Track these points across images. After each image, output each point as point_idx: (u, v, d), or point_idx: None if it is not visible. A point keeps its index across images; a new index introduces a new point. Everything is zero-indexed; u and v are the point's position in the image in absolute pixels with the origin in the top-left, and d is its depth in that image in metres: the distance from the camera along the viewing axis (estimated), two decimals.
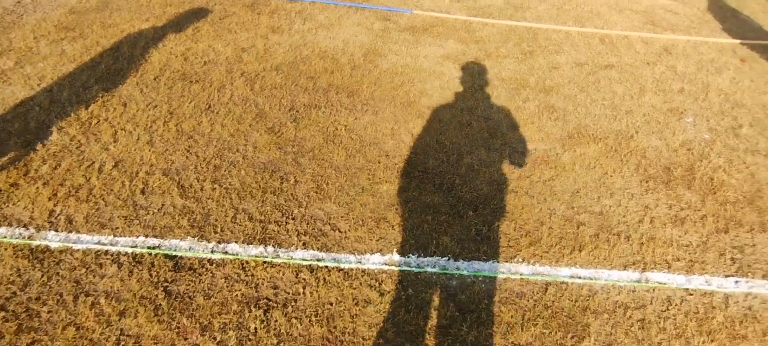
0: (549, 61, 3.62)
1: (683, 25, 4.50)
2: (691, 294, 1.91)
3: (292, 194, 2.26)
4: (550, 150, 2.67)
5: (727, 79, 3.52)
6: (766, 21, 4.80)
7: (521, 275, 1.95)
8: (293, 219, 2.13)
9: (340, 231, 2.10)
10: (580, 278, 1.95)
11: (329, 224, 2.13)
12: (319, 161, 2.47)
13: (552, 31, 4.14)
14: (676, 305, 1.86)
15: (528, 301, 1.85)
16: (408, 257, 2.00)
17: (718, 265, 2.03)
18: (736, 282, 1.95)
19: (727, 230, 2.20)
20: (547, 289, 1.91)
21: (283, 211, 2.17)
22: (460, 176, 2.44)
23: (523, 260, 2.02)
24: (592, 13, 4.57)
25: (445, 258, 2.00)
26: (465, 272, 1.94)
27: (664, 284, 1.94)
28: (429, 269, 1.94)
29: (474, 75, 3.38)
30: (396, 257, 1.99)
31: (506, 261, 2.01)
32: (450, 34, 3.93)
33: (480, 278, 1.93)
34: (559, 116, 2.97)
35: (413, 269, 1.94)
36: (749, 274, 2.00)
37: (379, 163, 2.49)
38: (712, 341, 1.74)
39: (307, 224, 2.12)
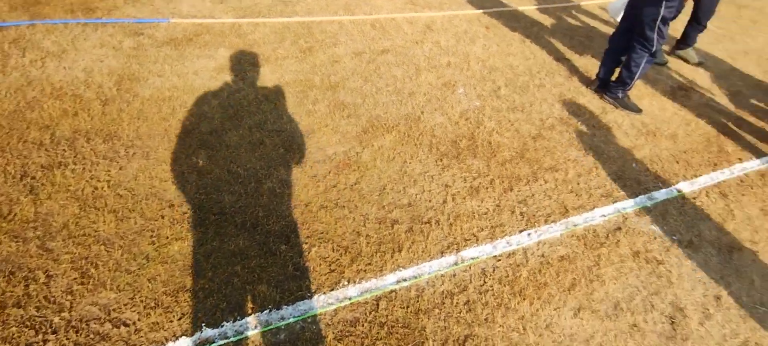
0: (329, 55, 3.56)
1: (436, 1, 4.96)
2: (499, 259, 2.06)
3: (45, 297, 1.69)
4: (349, 151, 2.60)
5: (480, 47, 4.00)
6: None
7: (350, 298, 1.83)
8: (54, 333, 1.59)
9: (127, 325, 1.65)
10: (405, 280, 1.93)
11: (110, 320, 1.66)
12: (78, 240, 1.91)
13: (326, 23, 4.10)
14: (490, 275, 1.98)
15: (363, 326, 1.74)
16: (222, 326, 1.68)
17: (513, 223, 2.25)
18: (529, 235, 2.19)
19: (511, 187, 2.46)
20: (378, 305, 1.83)
21: (37, 326, 1.60)
22: (262, 206, 2.19)
23: (349, 282, 1.90)
24: (359, 0, 4.69)
25: (266, 311, 1.75)
26: (291, 319, 1.73)
27: (477, 258, 2.05)
28: (250, 333, 1.67)
29: (256, 84, 3.10)
30: (208, 332, 1.66)
31: (332, 289, 1.86)
32: (219, 42, 3.54)
33: (309, 320, 1.74)
34: (351, 112, 2.92)
35: (231, 339, 1.64)
36: (535, 223, 2.26)
37: (163, 218, 2.06)
38: (523, 298, 1.90)
39: (78, 331, 1.61)
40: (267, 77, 3.19)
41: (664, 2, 2.83)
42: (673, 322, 1.85)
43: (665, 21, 2.90)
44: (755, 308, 1.95)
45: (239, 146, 2.54)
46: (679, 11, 3.27)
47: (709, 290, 2.01)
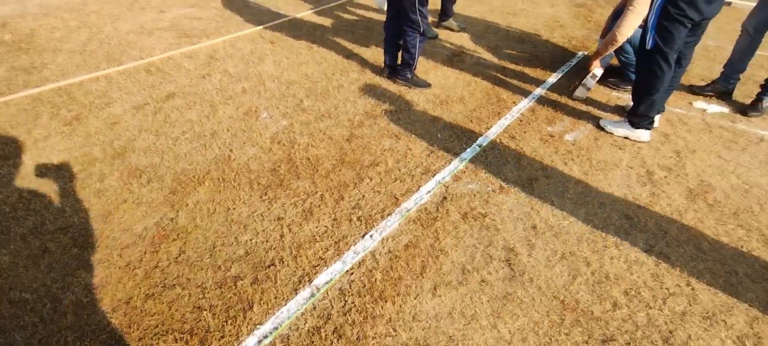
0: (104, 118, 3.06)
1: (212, 27, 4.68)
2: (352, 273, 2.04)
3: None
4: (162, 220, 2.27)
5: (271, 64, 3.91)
6: (273, 3, 5.58)
7: None
8: None
9: None
10: (267, 336, 1.77)
11: None
12: None
13: (89, 82, 3.51)
14: (348, 292, 1.95)
15: None
16: None
17: (353, 231, 2.25)
18: (371, 236, 2.22)
19: (342, 196, 2.46)
20: None
21: None
22: (70, 328, 1.77)
23: None
24: (122, 45, 4.14)
25: None
26: None
27: (331, 280, 2.00)
28: None
29: (16, 182, 2.49)
30: None
31: None
32: None
33: None
34: (150, 176, 2.56)
35: None
36: (374, 223, 2.30)
37: None
38: (385, 301, 1.92)
39: None
40: (29, 168, 2.59)
41: None
42: (510, 263, 2.08)
43: (423, 3, 3.22)
44: (560, 224, 2.32)
45: (15, 266, 2.01)
46: None
47: (526, 224, 2.31)
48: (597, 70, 3.53)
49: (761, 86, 3.48)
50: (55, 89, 3.39)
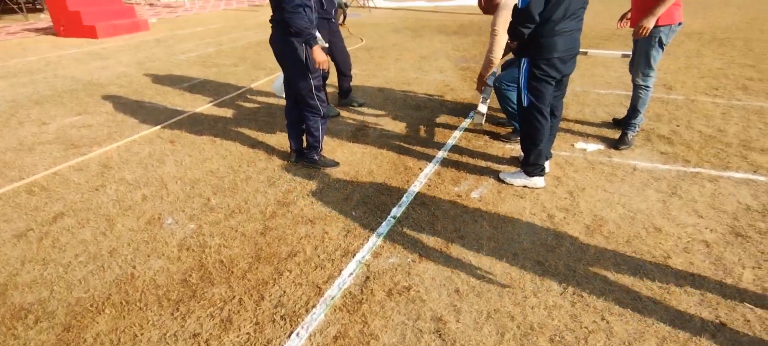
0: None
1: (104, 134, 4.42)
2: None
3: None
4: None
5: (173, 165, 3.75)
6: (169, 100, 5.43)
7: None
8: None
9: None
10: None
11: None
12: None
13: None
14: None
15: None
16: None
17: (279, 333, 2.14)
18: (298, 335, 2.12)
19: (262, 296, 2.35)
20: None
21: None
22: None
23: None
24: None
25: None
26: None
27: None
28: None
29: None
30: None
31: None
32: None
33: None
34: (38, 315, 2.26)
35: None
36: (299, 319, 2.21)
37: None
38: None
39: None
40: None
41: (310, 76, 3.24)
42: (440, 334, 2.09)
43: (319, 89, 3.33)
44: (482, 281, 2.39)
45: None
46: (326, 78, 3.78)
47: (449, 289, 2.36)
48: (484, 100, 3.95)
49: (623, 122, 4.02)
50: None
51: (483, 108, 3.88)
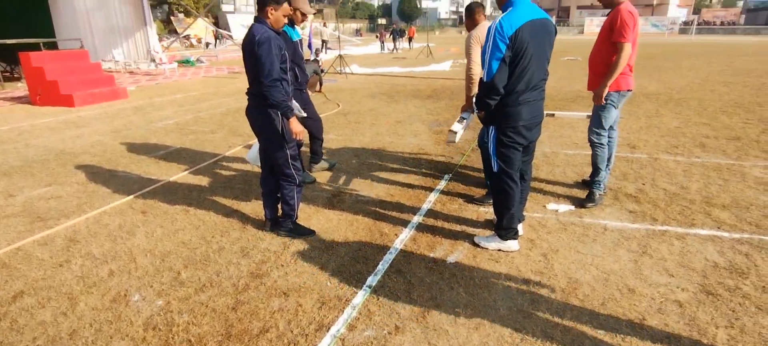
0: None
1: (73, 205, 4.32)
2: None
3: None
4: None
5: (143, 237, 3.66)
6: (144, 169, 5.38)
7: None
8: None
9: None
10: None
11: None
12: None
13: None
14: None
15: None
16: None
17: None
18: None
19: None
20: None
21: None
22: None
23: None
24: None
25: None
26: None
27: None
28: None
29: None
30: None
31: None
32: None
33: None
34: None
35: None
36: None
37: None
38: None
39: None
40: None
41: (286, 146, 3.28)
42: None
43: (294, 158, 3.37)
44: None
45: None
46: (300, 146, 3.87)
47: None
48: (461, 120, 4.01)
49: (589, 181, 4.19)
50: None
51: (457, 127, 3.85)
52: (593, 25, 58.53)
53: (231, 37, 31.39)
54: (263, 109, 3.18)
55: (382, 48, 27.22)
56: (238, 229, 3.75)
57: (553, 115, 7.09)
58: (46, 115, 8.95)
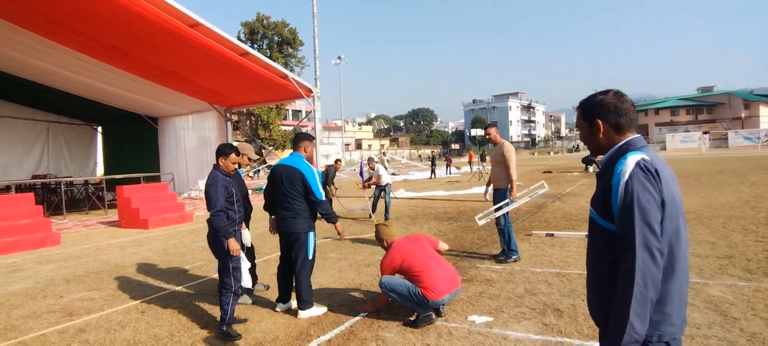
0: None
1: (97, 305, 5.49)
2: None
3: None
4: None
5: (131, 330, 4.64)
6: (157, 281, 6.57)
7: None
8: None
9: None
10: None
11: None
12: None
13: None
14: None
15: None
16: None
17: None
18: None
19: None
20: None
21: None
22: None
23: None
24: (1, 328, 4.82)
25: None
26: None
27: None
28: None
29: None
30: None
31: None
32: None
33: None
34: None
35: None
36: None
37: None
38: None
39: None
40: None
41: (230, 260, 4.23)
42: None
43: (236, 270, 4.29)
44: None
45: None
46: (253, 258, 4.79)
47: None
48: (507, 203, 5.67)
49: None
50: None
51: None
52: (676, 141, 56.28)
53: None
54: (212, 230, 4.22)
55: (432, 175, 28.72)
56: (200, 327, 4.61)
57: (552, 235, 7.70)
58: (122, 236, 10.90)
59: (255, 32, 47.52)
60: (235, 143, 5.21)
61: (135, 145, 22.01)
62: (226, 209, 4.17)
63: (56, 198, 16.23)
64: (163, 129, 21.20)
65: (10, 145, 19.52)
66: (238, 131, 45.37)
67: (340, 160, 14.37)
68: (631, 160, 1.63)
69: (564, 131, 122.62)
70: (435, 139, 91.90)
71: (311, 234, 4.60)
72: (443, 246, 4.88)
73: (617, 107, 1.75)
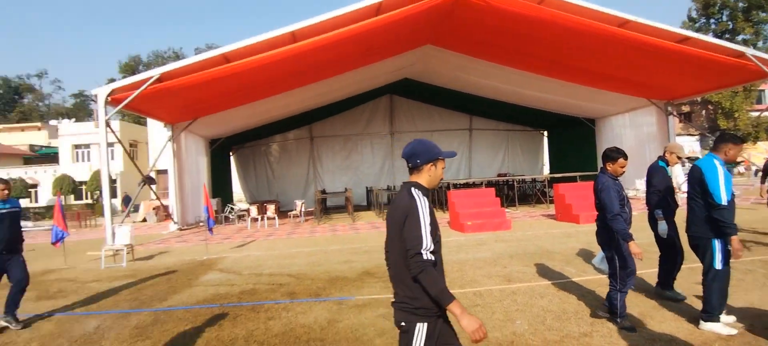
0: None
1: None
2: None
3: None
4: None
5: (547, 302, 5.68)
6: None
7: None
8: None
9: None
10: None
11: None
12: None
13: None
14: None
15: None
16: None
17: None
18: None
19: None
20: None
21: None
22: None
23: None
24: None
25: None
26: None
27: None
28: None
29: None
30: None
31: None
32: None
33: None
34: None
35: None
36: None
37: None
38: None
39: None
40: None
41: (626, 262, 4.49)
42: None
43: (632, 275, 4.49)
44: None
45: None
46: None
47: None
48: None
49: None
50: None
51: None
52: None
53: None
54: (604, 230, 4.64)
55: None
56: (589, 315, 5.08)
57: None
58: (557, 228, 12.42)
59: (711, 4, 40.39)
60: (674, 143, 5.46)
61: (575, 146, 23.86)
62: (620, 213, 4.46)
63: (511, 192, 20.01)
64: (600, 129, 21.93)
65: (486, 150, 26.63)
66: (688, 123, 40.05)
67: None
68: None
69: None
70: None
71: (716, 241, 4.16)
72: None
73: None
